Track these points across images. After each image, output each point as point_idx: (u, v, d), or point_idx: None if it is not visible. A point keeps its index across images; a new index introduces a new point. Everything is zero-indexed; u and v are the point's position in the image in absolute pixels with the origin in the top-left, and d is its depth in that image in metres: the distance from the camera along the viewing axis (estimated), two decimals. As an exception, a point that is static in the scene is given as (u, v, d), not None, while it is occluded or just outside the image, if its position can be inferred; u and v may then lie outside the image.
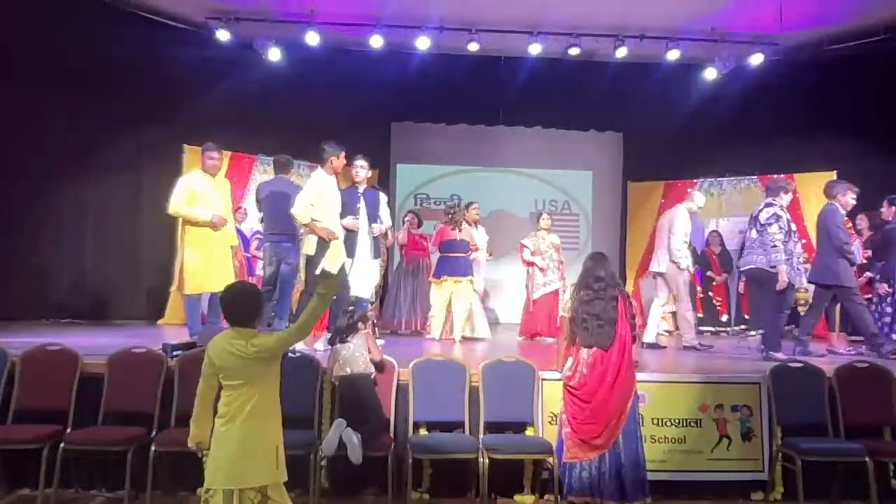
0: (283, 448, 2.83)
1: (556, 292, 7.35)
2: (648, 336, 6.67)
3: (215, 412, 2.81)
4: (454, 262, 7.13)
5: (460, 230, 7.25)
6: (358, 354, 4.19)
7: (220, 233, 5.64)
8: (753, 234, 5.73)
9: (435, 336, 7.05)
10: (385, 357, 4.46)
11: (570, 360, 4.00)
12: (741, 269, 6.21)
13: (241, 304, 2.85)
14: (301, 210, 5.34)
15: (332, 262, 5.38)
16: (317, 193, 5.39)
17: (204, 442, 2.90)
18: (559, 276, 7.50)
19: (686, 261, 6.72)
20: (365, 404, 4.06)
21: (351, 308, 4.58)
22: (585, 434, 3.86)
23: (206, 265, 5.56)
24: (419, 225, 8.20)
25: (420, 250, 8.01)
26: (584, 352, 3.95)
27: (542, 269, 7.46)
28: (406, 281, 7.87)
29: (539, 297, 7.44)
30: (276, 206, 5.83)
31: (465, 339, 7.06)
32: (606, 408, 3.84)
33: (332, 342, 4.40)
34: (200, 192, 5.53)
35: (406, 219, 8.23)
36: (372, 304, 6.58)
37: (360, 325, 4.35)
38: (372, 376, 4.21)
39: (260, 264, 7.07)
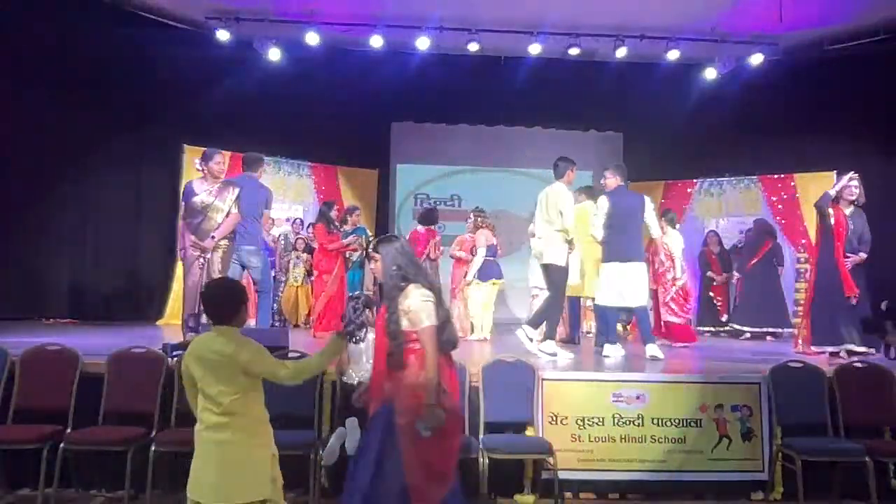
0: (276, 462, 2.72)
1: None
2: None
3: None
4: (493, 265, 7.33)
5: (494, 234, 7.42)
6: (366, 360, 3.86)
7: None
8: None
9: (486, 336, 7.13)
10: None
11: None
12: None
13: (219, 302, 2.72)
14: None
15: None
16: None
17: None
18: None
19: None
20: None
21: (356, 295, 4.11)
22: None
23: None
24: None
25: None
26: None
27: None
28: None
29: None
30: (242, 205, 5.46)
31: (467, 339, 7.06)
32: None
33: (345, 338, 4.18)
34: None
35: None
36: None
37: (369, 315, 3.94)
38: None
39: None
